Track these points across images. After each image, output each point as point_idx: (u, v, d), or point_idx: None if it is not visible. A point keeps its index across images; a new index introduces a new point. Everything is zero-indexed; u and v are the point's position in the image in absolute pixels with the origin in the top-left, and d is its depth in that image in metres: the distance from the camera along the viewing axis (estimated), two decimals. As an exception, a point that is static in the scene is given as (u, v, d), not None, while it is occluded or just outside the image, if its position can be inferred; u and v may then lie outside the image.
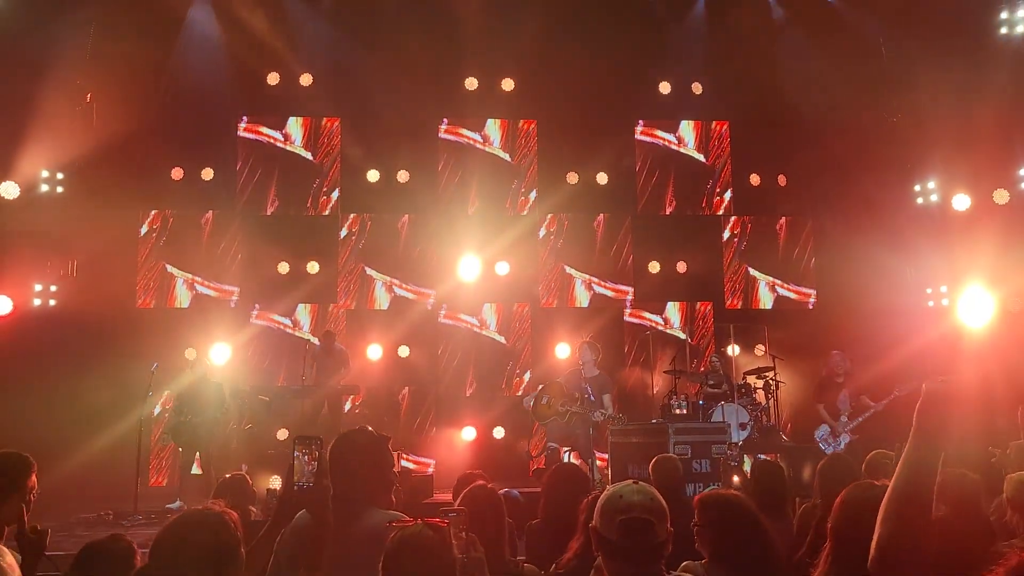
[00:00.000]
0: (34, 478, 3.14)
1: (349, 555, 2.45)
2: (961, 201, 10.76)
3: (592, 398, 8.90)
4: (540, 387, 9.59)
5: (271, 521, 2.51)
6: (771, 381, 9.98)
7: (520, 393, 11.30)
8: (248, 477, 5.53)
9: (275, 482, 7.91)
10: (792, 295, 12.19)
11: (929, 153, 10.99)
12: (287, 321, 11.37)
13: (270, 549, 2.57)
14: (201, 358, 9.62)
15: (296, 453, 2.42)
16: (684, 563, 2.77)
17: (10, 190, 10.05)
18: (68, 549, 4.19)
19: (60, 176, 10.52)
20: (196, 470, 9.50)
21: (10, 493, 3.05)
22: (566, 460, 8.70)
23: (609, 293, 11.91)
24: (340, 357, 10.20)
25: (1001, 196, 10.48)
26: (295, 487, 2.41)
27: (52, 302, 10.39)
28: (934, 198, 11.24)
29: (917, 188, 11.44)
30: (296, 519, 2.57)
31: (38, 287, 10.32)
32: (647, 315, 11.90)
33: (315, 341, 10.57)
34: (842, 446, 8.72)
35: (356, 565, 2.41)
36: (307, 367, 10.06)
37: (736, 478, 7.93)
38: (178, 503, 8.49)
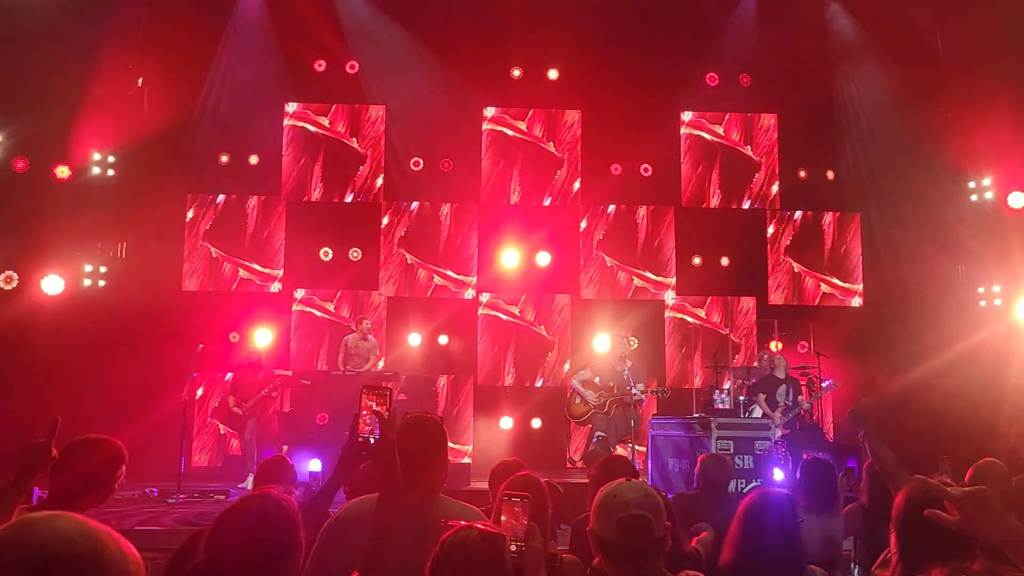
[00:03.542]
0: (123, 469, 3.11)
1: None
2: (1018, 199, 10.47)
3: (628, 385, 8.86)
4: (574, 386, 9.46)
5: (332, 474, 2.43)
6: (815, 379, 9.82)
7: (559, 384, 11.27)
8: (288, 459, 5.56)
9: (315, 465, 7.99)
10: (838, 292, 11.96)
11: (985, 149, 10.70)
12: (329, 307, 11.46)
13: (327, 506, 2.49)
14: (254, 343, 9.76)
15: (363, 404, 2.28)
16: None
17: (63, 172, 10.26)
18: (122, 526, 4.24)
19: (111, 159, 10.72)
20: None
21: (100, 481, 3.00)
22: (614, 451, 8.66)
23: (650, 286, 11.80)
24: (370, 347, 10.29)
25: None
26: (360, 440, 2.28)
27: (101, 283, 10.59)
28: (989, 196, 10.95)
29: (971, 185, 11.15)
30: (348, 510, 2.52)
31: (88, 268, 10.52)
32: (689, 308, 11.77)
33: (361, 327, 10.54)
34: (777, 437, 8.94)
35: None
36: (340, 355, 10.18)
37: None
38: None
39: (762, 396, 9.25)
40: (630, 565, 2.15)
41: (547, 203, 11.88)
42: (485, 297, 11.65)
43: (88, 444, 3.05)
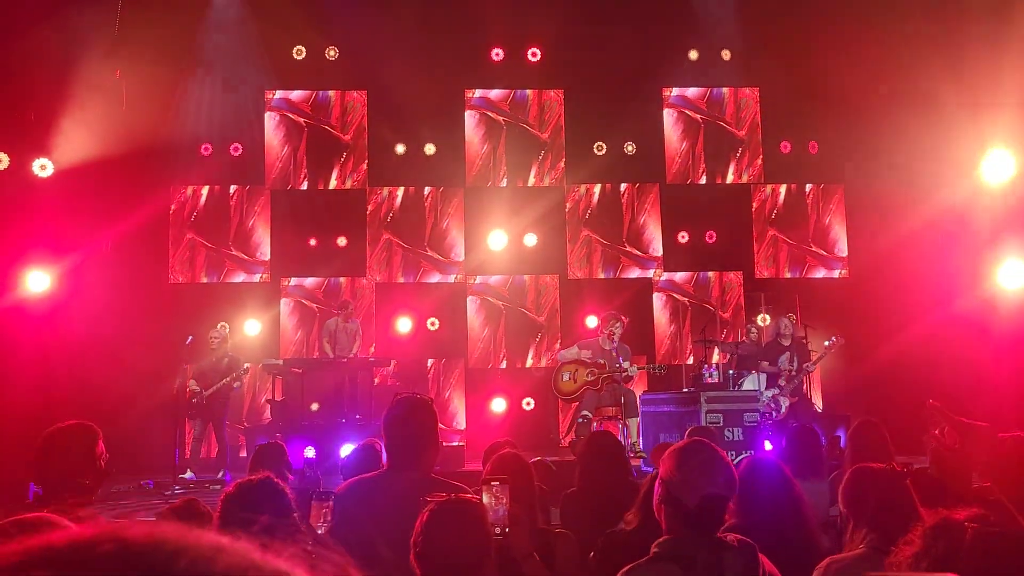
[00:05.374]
0: (101, 444, 3.17)
1: None
2: (994, 165, 10.53)
3: (619, 364, 8.94)
4: (561, 363, 9.48)
5: None
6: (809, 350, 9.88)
7: (546, 364, 11.32)
8: (283, 444, 5.59)
9: (310, 452, 8.04)
10: (824, 264, 12.05)
11: (964, 115, 10.73)
12: (318, 295, 11.46)
13: None
14: (220, 331, 9.63)
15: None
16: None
17: (43, 168, 10.18)
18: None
19: (92, 153, 10.62)
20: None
21: (86, 465, 3.05)
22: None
23: (638, 264, 11.85)
24: (354, 329, 10.30)
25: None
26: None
27: (87, 279, 10.52)
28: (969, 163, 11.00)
29: (951, 152, 11.19)
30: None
31: (72, 263, 10.45)
32: (676, 285, 11.83)
33: (346, 310, 10.51)
34: (783, 409, 8.95)
35: None
36: (323, 339, 10.16)
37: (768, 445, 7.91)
38: (190, 474, 8.78)
39: (765, 363, 9.27)
40: (696, 532, 2.28)
41: (532, 184, 11.88)
42: (473, 280, 11.67)
43: (63, 431, 3.08)
